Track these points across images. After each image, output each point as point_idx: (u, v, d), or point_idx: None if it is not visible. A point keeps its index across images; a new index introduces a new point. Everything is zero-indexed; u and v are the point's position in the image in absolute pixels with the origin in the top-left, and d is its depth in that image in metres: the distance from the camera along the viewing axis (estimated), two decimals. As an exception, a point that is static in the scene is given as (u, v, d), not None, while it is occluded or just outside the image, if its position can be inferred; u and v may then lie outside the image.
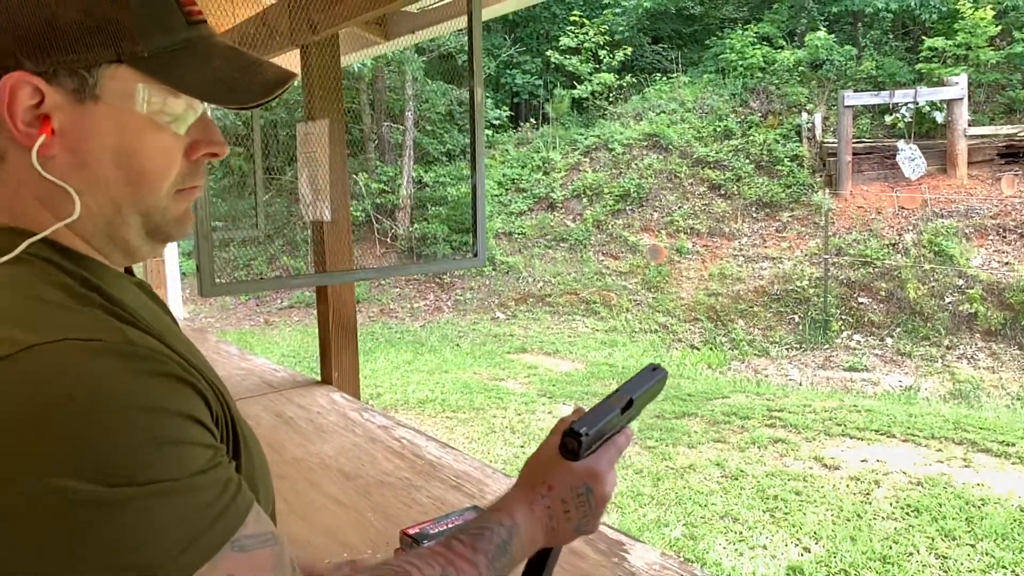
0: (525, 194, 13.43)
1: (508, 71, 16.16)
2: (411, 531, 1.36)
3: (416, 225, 13.75)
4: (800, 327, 10.33)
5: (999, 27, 12.00)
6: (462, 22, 2.76)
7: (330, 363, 2.91)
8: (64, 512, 0.49)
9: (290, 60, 2.94)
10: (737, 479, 5.41)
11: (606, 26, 15.37)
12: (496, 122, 15.34)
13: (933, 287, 9.99)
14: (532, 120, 15.42)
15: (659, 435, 6.32)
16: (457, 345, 10.40)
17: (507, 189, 13.85)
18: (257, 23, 2.97)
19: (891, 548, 4.31)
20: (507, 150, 14.70)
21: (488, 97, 15.62)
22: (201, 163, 0.71)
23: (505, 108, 15.67)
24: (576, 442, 0.80)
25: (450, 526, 1.37)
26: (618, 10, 15.65)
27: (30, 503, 0.49)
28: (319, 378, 2.99)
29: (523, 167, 13.88)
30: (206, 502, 0.55)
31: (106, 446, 0.50)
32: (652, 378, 0.88)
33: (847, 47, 13.59)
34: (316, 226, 2.80)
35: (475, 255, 2.06)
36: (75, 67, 0.61)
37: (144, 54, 0.63)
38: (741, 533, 4.61)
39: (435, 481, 2.02)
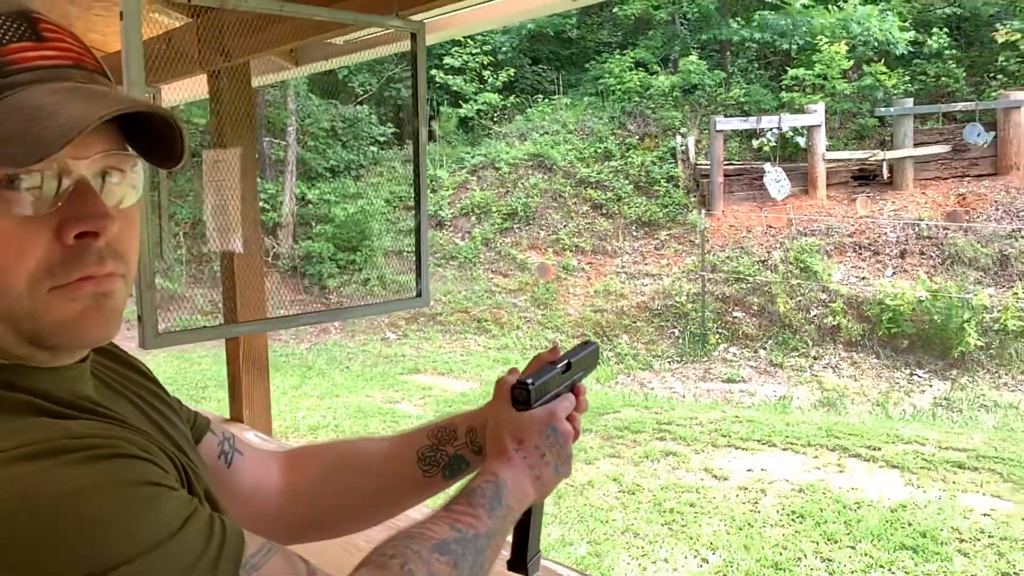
0: (413, 212, 13.36)
1: (392, 85, 16.08)
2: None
3: (300, 244, 13.40)
4: (680, 341, 10.79)
5: (851, 61, 13.03)
6: (377, 52, 2.75)
7: (241, 400, 2.80)
8: None
9: (196, 84, 2.83)
10: (634, 493, 5.58)
11: (489, 46, 15.59)
12: (382, 139, 15.21)
13: (800, 301, 10.68)
14: (417, 137, 15.40)
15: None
16: (347, 367, 10.19)
17: (395, 207, 13.75)
18: (160, 43, 2.84)
19: (781, 554, 4.57)
20: (394, 167, 14.60)
21: (372, 113, 15.47)
22: (86, 248, 0.57)
23: (390, 125, 15.56)
24: (525, 392, 0.86)
25: None
26: (500, 31, 15.92)
27: None
28: (227, 415, 2.87)
29: (411, 185, 13.80)
30: (203, 545, 0.54)
31: (76, 539, 0.48)
32: (586, 348, 0.98)
33: (717, 72, 14.38)
34: (225, 258, 2.70)
35: (418, 295, 2.05)
36: None
37: None
38: (643, 548, 4.76)
39: (377, 528, 1.99)
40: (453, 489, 0.86)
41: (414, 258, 2.07)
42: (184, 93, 3.25)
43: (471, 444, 0.94)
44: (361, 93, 15.59)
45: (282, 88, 13.09)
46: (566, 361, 0.92)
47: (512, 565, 0.88)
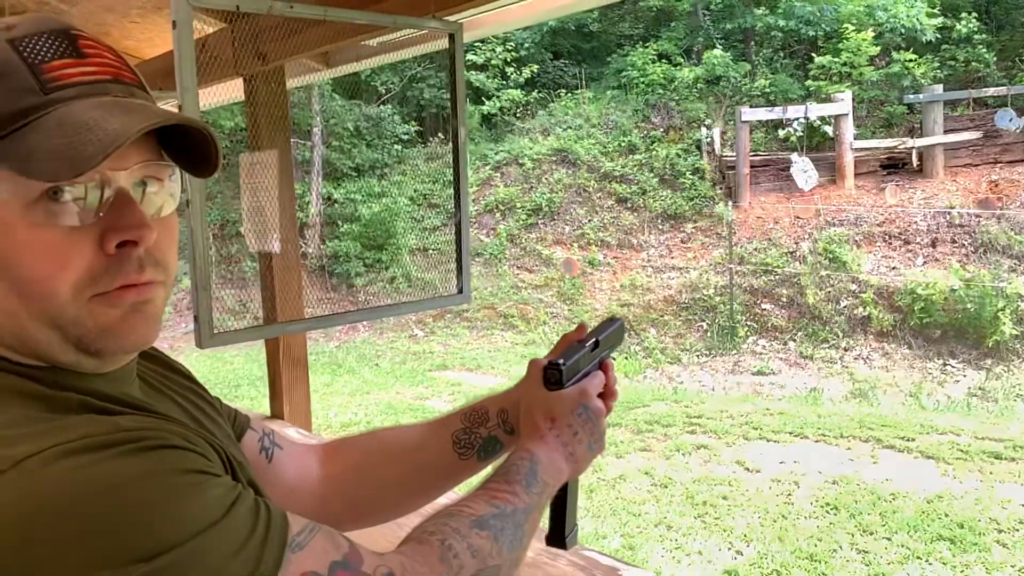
0: (438, 209, 13.43)
1: (415, 85, 16.14)
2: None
3: (327, 243, 13.52)
4: (708, 334, 10.74)
5: (878, 48, 12.86)
6: (409, 52, 2.78)
7: (281, 398, 2.85)
8: None
9: (232, 88, 2.88)
10: (666, 487, 5.58)
11: (511, 42, 15.58)
12: (405, 137, 15.28)
13: (829, 292, 10.58)
14: (441, 135, 15.43)
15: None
16: (376, 364, 10.27)
17: (419, 205, 13.82)
18: (196, 48, 2.89)
19: (816, 546, 4.55)
20: (417, 165, 14.67)
21: (395, 113, 15.54)
22: (126, 256, 0.60)
23: (413, 123, 15.63)
24: (557, 372, 0.88)
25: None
26: (523, 27, 15.93)
27: None
28: (268, 413, 2.92)
29: (435, 182, 13.89)
30: (250, 526, 0.56)
31: (127, 526, 0.50)
32: (611, 325, 1.00)
33: (741, 63, 14.26)
34: (263, 259, 2.74)
35: (460, 291, 2.08)
36: None
37: None
38: (676, 540, 4.76)
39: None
40: (489, 469, 0.88)
41: (449, 256, 2.09)
42: (218, 97, 3.30)
43: (503, 425, 0.96)
44: (384, 92, 15.68)
45: (307, 90, 13.20)
46: (594, 339, 0.94)
47: (551, 540, 0.90)
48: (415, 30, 2.07)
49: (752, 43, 15.02)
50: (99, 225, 0.59)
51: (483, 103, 15.31)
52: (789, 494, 5.32)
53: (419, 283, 12.09)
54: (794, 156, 11.90)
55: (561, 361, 0.89)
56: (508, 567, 0.75)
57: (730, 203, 11.95)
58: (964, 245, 10.59)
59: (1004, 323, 8.94)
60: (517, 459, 0.83)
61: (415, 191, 14.00)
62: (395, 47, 2.66)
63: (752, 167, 12.33)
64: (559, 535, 0.90)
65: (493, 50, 15.32)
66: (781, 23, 13.81)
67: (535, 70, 15.63)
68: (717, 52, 14.03)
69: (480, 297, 11.91)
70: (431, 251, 12.70)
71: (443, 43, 2.36)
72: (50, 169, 0.56)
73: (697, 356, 10.36)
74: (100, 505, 0.50)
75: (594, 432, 0.89)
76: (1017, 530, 4.61)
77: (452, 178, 2.01)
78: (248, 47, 2.65)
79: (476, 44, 14.84)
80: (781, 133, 12.69)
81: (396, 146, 15.13)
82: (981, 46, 13.09)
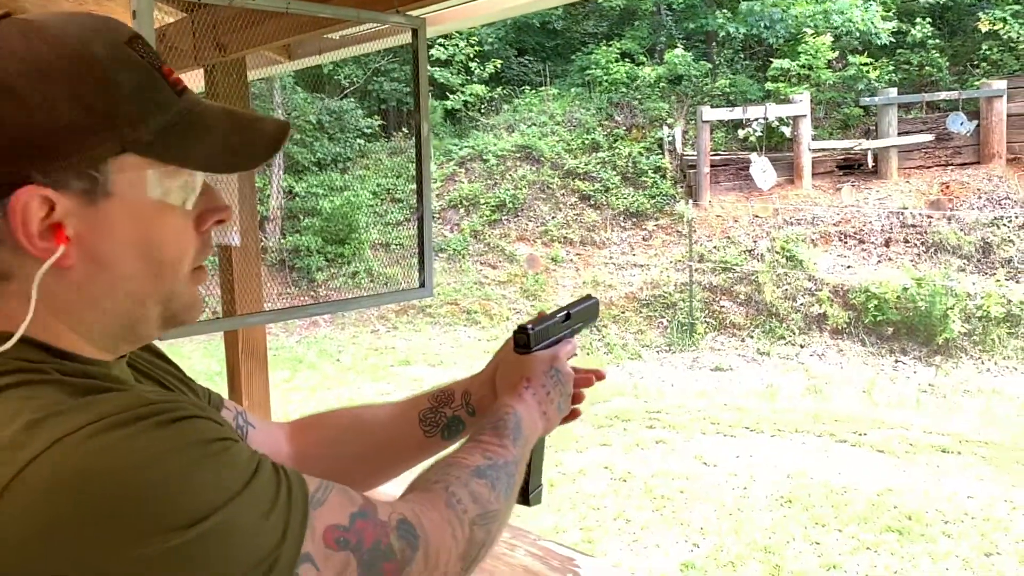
0: (401, 204, 13.37)
1: (376, 79, 16.02)
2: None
3: (288, 237, 13.37)
4: (669, 330, 10.86)
5: (835, 51, 13.11)
6: (372, 46, 2.78)
7: (240, 393, 2.82)
8: (171, 564, 0.51)
9: (192, 79, 2.84)
10: (626, 481, 5.65)
11: (475, 38, 15.56)
12: (368, 131, 15.17)
13: (786, 290, 10.78)
14: (404, 129, 15.36)
15: (549, 441, 6.46)
16: (337, 360, 10.21)
17: (382, 199, 13.74)
18: (154, 39, 2.84)
19: (770, 538, 4.65)
20: (380, 159, 14.58)
21: (357, 106, 15.42)
22: (209, 235, 0.69)
23: (376, 117, 15.52)
24: (525, 336, 0.94)
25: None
26: (488, 23, 15.90)
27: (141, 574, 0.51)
28: (226, 406, 2.90)
29: (398, 177, 13.82)
30: (275, 486, 0.58)
31: (164, 496, 0.52)
32: (586, 302, 1.07)
33: (703, 63, 14.43)
34: (222, 251, 2.72)
35: (422, 285, 2.08)
36: (83, 168, 0.59)
37: (147, 138, 0.61)
38: (634, 534, 4.83)
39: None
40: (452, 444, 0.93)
41: (411, 251, 2.10)
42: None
43: (466, 406, 1.01)
44: (347, 86, 15.54)
45: (268, 82, 13.03)
46: (566, 312, 1.00)
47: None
48: (378, 24, 2.07)
49: (713, 44, 15.21)
50: (196, 209, 0.67)
51: (447, 98, 15.27)
52: (745, 488, 5.43)
53: (381, 278, 12.04)
54: (753, 156, 12.08)
55: (530, 326, 0.94)
56: (504, 513, 0.80)
57: (691, 201, 12.09)
58: (916, 245, 10.87)
59: (953, 321, 9.20)
60: (503, 414, 0.88)
61: (378, 185, 13.91)
62: (358, 41, 2.66)
63: (712, 166, 12.49)
64: (524, 492, 0.94)
65: (457, 45, 15.28)
66: (742, 28, 14.01)
67: (499, 66, 15.63)
68: (679, 52, 14.18)
69: (443, 293, 11.90)
70: (393, 246, 12.64)
71: (406, 38, 2.36)
72: (224, 163, 0.66)
73: (657, 352, 10.48)
74: (137, 478, 0.52)
75: (563, 393, 0.95)
76: (962, 521, 4.76)
77: (415, 173, 2.01)
78: (208, 37, 2.62)
79: (440, 39, 14.79)
80: (741, 133, 12.87)
81: (359, 140, 15.02)
82: (934, 51, 13.43)
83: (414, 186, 2.36)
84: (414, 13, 2.00)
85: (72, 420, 0.53)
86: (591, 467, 5.91)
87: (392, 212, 13.37)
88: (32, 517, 0.50)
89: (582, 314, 1.04)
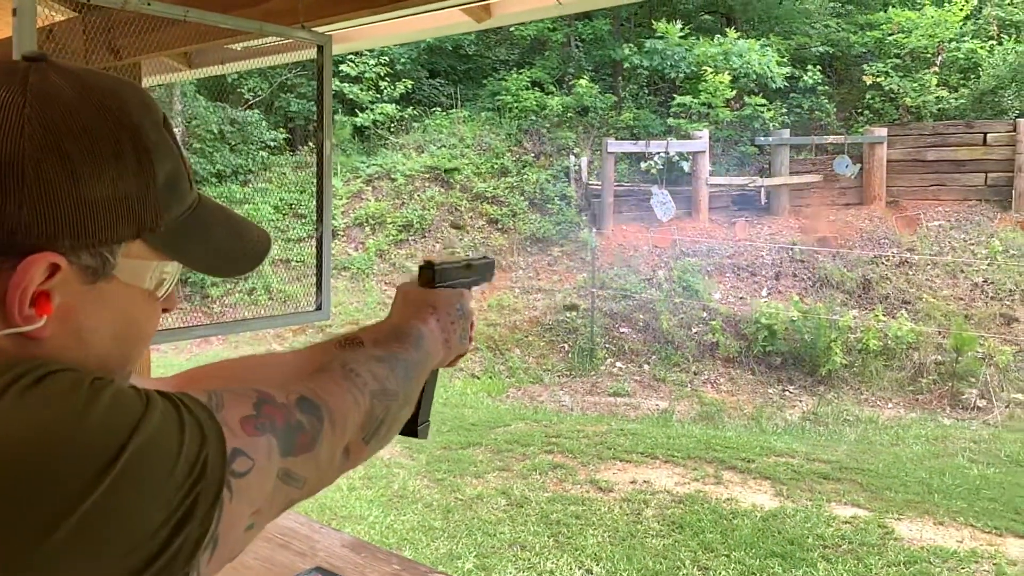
0: (304, 220, 13.08)
1: (282, 94, 15.72)
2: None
3: (182, 249, 12.84)
4: (570, 355, 11.00)
5: (734, 91, 13.74)
6: (277, 59, 2.71)
7: (120, 412, 2.68)
8: (100, 518, 0.49)
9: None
10: (522, 506, 5.65)
11: (386, 57, 15.49)
12: (272, 144, 14.81)
13: (682, 318, 11.12)
14: (310, 144, 15.08)
15: (447, 466, 6.42)
16: (230, 378, 9.83)
17: (284, 214, 13.40)
18: (40, 36, 2.69)
19: (661, 564, 4.73)
20: (284, 173, 14.24)
21: (262, 118, 15.05)
22: None
23: (282, 130, 15.18)
24: (431, 271, 0.99)
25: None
26: (398, 44, 15.87)
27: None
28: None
29: (302, 192, 13.52)
30: (172, 405, 0.56)
31: (59, 457, 0.49)
32: (485, 258, 1.12)
33: (609, 96, 14.84)
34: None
35: (319, 308, 2.02)
36: (99, 247, 0.58)
37: (162, 229, 0.61)
38: (529, 560, 4.83)
39: (259, 540, 1.95)
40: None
41: (313, 270, 2.05)
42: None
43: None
44: (251, 97, 15.16)
45: (168, 89, 12.56)
46: (467, 261, 1.07)
47: (402, 430, 0.94)
48: (283, 38, 2.02)
49: (620, 78, 15.67)
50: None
51: (356, 115, 15.11)
52: (638, 513, 5.52)
53: (280, 296, 11.70)
54: (654, 188, 12.47)
55: (436, 263, 1.00)
56: (404, 399, 0.82)
57: (594, 229, 12.35)
58: (804, 279, 11.44)
59: (836, 353, 9.70)
60: (406, 328, 0.91)
61: (280, 200, 13.57)
62: (261, 53, 2.59)
63: (616, 196, 12.81)
64: (412, 424, 0.96)
65: (367, 63, 15.17)
66: (646, 62, 14.50)
67: (410, 86, 15.60)
68: (584, 82, 14.53)
69: (344, 312, 11.68)
70: (294, 263, 12.33)
71: (312, 53, 2.31)
72: (215, 267, 0.70)
73: (558, 376, 10.59)
74: (22, 451, 0.48)
75: (463, 328, 1.00)
76: (840, 545, 4.99)
77: (304, 186, 1.97)
78: (101, 40, 2.50)
79: (351, 55, 14.66)
80: (643, 165, 13.27)
81: (262, 152, 14.64)
82: (824, 97, 14.27)
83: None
84: (320, 29, 1.97)
85: None
86: (488, 492, 5.89)
87: (294, 228, 13.06)
88: None
89: (480, 268, 1.08)
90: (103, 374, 0.59)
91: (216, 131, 14.04)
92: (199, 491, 0.53)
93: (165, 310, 0.69)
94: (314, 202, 2.28)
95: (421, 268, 1.00)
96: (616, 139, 13.34)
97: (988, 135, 12.13)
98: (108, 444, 0.50)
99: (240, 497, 0.57)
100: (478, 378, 10.35)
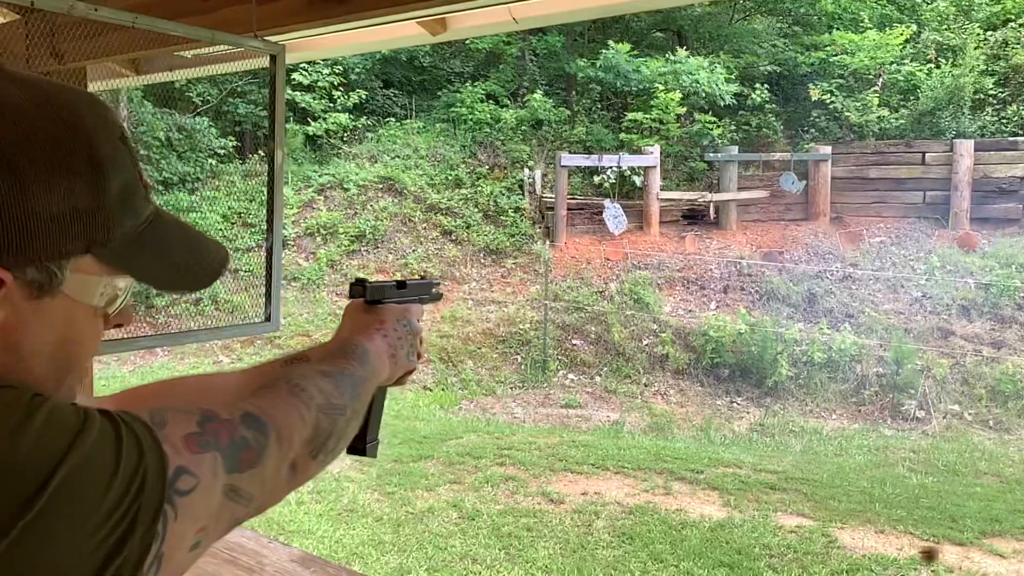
0: (253, 229, 12.86)
1: (232, 100, 15.49)
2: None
3: (126, 258, 12.52)
4: (522, 367, 11.03)
5: (684, 108, 13.99)
6: (228, 68, 2.68)
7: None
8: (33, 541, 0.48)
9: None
10: (474, 519, 5.63)
11: (340, 67, 15.39)
12: (221, 151, 14.57)
13: (633, 331, 11.24)
14: (261, 152, 14.88)
15: (398, 480, 6.37)
16: (175, 390, 9.60)
17: (233, 223, 13.17)
18: (-20, 40, 2.61)
19: (612, 575, 4.76)
20: (233, 182, 14.02)
21: (211, 125, 14.80)
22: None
23: (231, 138, 14.95)
24: (362, 287, 0.98)
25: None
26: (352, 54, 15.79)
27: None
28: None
29: (251, 201, 13.31)
30: (111, 424, 0.55)
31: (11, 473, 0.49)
32: (425, 280, 1.12)
33: (562, 110, 14.98)
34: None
35: (268, 319, 2.00)
36: (46, 262, 0.55)
37: (114, 244, 0.59)
38: (480, 573, 4.81)
39: (206, 556, 1.91)
40: None
41: (263, 280, 2.02)
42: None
43: None
44: (200, 104, 14.90)
45: (113, 94, 12.26)
46: (401, 280, 1.05)
47: (351, 448, 0.93)
48: (234, 47, 2.00)
49: (573, 92, 15.83)
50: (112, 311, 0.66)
51: (308, 124, 14.97)
52: (589, 524, 5.55)
53: (228, 306, 11.48)
54: (607, 202, 12.61)
55: (366, 280, 0.99)
56: (351, 413, 0.81)
57: (548, 242, 12.42)
58: (751, 292, 11.67)
59: (782, 365, 9.91)
60: (350, 345, 0.90)
61: (229, 208, 13.34)
62: (213, 60, 2.56)
63: (569, 209, 12.92)
64: (361, 442, 0.95)
65: (320, 72, 15.05)
66: (600, 76, 14.68)
67: (363, 96, 15.52)
68: (538, 96, 14.65)
69: (295, 324, 11.52)
70: (243, 273, 12.12)
71: (264, 62, 2.29)
72: (171, 281, 0.67)
73: (511, 388, 10.60)
74: None
75: (411, 344, 0.99)
76: (785, 555, 5.08)
77: (253, 195, 1.95)
78: (43, 43, 2.44)
79: (303, 64, 14.52)
80: (596, 179, 13.41)
81: (211, 160, 14.38)
82: (771, 115, 14.62)
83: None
84: (273, 39, 1.95)
85: None
86: (440, 505, 5.85)
87: (243, 237, 12.84)
88: None
89: (418, 288, 1.07)
90: (42, 390, 0.58)
91: (163, 138, 13.76)
92: (138, 509, 0.52)
93: (118, 325, 0.67)
94: (264, 211, 2.26)
95: (352, 285, 0.99)
96: (569, 152, 13.46)
97: (926, 154, 12.57)
98: (39, 468, 0.49)
99: (185, 515, 0.56)
100: (430, 390, 10.30)
